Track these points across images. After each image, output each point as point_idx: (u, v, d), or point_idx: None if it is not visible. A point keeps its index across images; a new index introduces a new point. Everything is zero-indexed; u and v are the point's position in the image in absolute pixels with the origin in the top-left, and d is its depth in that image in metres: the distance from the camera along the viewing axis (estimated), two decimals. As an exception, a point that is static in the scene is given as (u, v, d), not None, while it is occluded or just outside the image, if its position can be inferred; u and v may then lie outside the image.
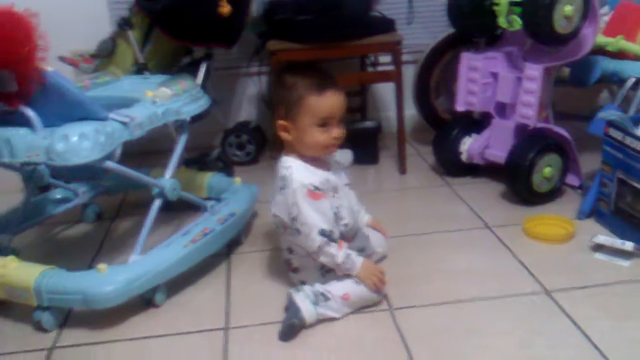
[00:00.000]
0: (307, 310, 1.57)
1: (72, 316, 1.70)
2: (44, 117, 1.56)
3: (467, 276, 1.80)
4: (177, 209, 2.13)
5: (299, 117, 1.60)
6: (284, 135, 1.65)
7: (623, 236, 1.90)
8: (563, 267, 1.83)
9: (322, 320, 1.60)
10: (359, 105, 3.07)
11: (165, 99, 1.84)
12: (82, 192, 2.17)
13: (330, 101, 1.60)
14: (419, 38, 2.98)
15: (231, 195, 2.10)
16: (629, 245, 1.83)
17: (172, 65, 2.55)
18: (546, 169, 2.18)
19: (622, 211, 1.94)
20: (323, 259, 1.62)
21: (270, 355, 1.51)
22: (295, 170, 1.63)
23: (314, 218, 1.59)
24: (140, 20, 2.38)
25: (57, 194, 2.26)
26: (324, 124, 1.61)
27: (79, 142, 1.53)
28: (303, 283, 1.68)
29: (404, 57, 2.92)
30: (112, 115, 1.66)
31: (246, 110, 3.13)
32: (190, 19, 2.24)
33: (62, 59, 2.48)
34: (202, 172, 2.29)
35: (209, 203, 1.98)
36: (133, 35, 2.38)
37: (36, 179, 2.03)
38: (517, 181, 2.20)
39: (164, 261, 1.71)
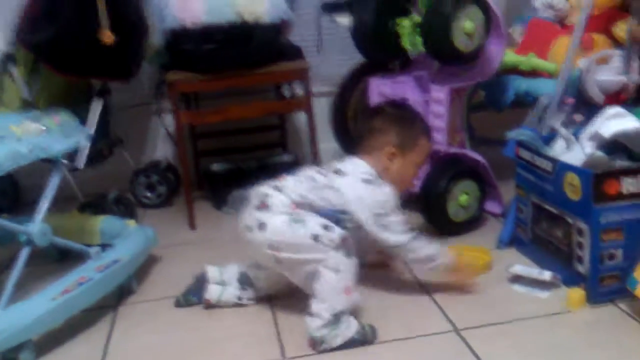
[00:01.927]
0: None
1: None
2: None
3: (370, 314, 1.63)
4: (74, 258, 1.91)
5: (411, 152, 1.70)
6: (385, 162, 1.68)
7: (543, 265, 1.77)
8: (477, 301, 1.69)
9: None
10: (278, 139, 2.93)
11: (31, 135, 1.66)
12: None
13: (431, 149, 1.80)
14: (335, 68, 2.86)
15: (121, 240, 1.91)
16: (546, 275, 1.69)
17: (69, 101, 2.36)
18: (462, 197, 2.05)
19: (540, 238, 1.81)
20: (410, 254, 1.64)
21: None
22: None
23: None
24: (25, 55, 2.20)
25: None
26: (419, 166, 1.76)
27: None
28: None
29: (322, 89, 2.82)
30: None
31: (162, 150, 2.97)
32: (73, 51, 2.07)
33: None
34: (95, 216, 2.10)
35: (93, 249, 1.79)
36: (18, 71, 2.20)
37: None
38: (431, 210, 2.06)
39: (26, 316, 1.50)
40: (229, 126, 2.79)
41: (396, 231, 1.62)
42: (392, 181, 1.67)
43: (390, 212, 1.62)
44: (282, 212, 1.55)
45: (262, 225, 1.55)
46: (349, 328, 1.49)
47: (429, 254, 1.65)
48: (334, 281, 1.48)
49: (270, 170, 2.65)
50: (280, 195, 1.59)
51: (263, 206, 1.58)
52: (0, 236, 2.03)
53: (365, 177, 1.63)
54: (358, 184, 1.62)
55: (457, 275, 1.71)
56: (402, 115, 1.73)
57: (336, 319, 1.47)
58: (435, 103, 2.05)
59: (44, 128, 1.71)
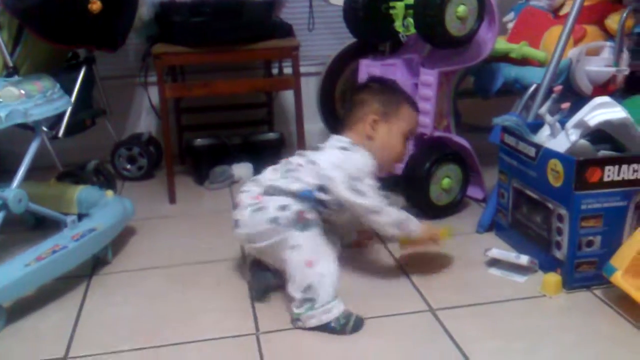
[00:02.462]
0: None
1: None
2: None
3: (348, 294, 1.60)
4: (50, 226, 1.90)
5: (395, 118, 1.70)
6: (368, 131, 1.68)
7: (521, 250, 1.77)
8: (453, 283, 1.68)
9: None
10: (265, 117, 2.91)
11: (11, 100, 1.63)
12: None
13: (417, 119, 1.78)
14: (325, 49, 2.85)
15: (98, 209, 1.89)
16: (523, 259, 1.69)
17: (53, 68, 2.33)
18: (445, 180, 2.05)
19: (519, 223, 1.81)
20: (385, 217, 1.58)
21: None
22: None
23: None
24: (9, 21, 2.15)
25: None
26: (406, 137, 1.72)
27: None
28: None
29: (311, 69, 2.80)
30: None
31: (145, 122, 2.94)
32: (60, 17, 2.03)
33: None
34: (73, 185, 2.07)
35: (69, 218, 1.77)
36: (1, 36, 2.15)
37: None
38: (413, 193, 2.05)
39: (-2, 282, 1.49)
40: (215, 102, 2.77)
41: (370, 196, 1.58)
42: (379, 150, 1.68)
43: (365, 178, 1.60)
44: (248, 204, 1.57)
45: (236, 223, 1.59)
46: (328, 313, 1.46)
47: (401, 218, 1.61)
48: (294, 258, 1.49)
49: (254, 148, 2.68)
50: (252, 188, 1.61)
51: (236, 204, 1.62)
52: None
53: (341, 145, 1.66)
54: (334, 152, 1.64)
55: (422, 243, 1.71)
56: (385, 87, 1.75)
57: (307, 293, 1.46)
58: (424, 86, 2.03)
59: (23, 92, 1.68)
